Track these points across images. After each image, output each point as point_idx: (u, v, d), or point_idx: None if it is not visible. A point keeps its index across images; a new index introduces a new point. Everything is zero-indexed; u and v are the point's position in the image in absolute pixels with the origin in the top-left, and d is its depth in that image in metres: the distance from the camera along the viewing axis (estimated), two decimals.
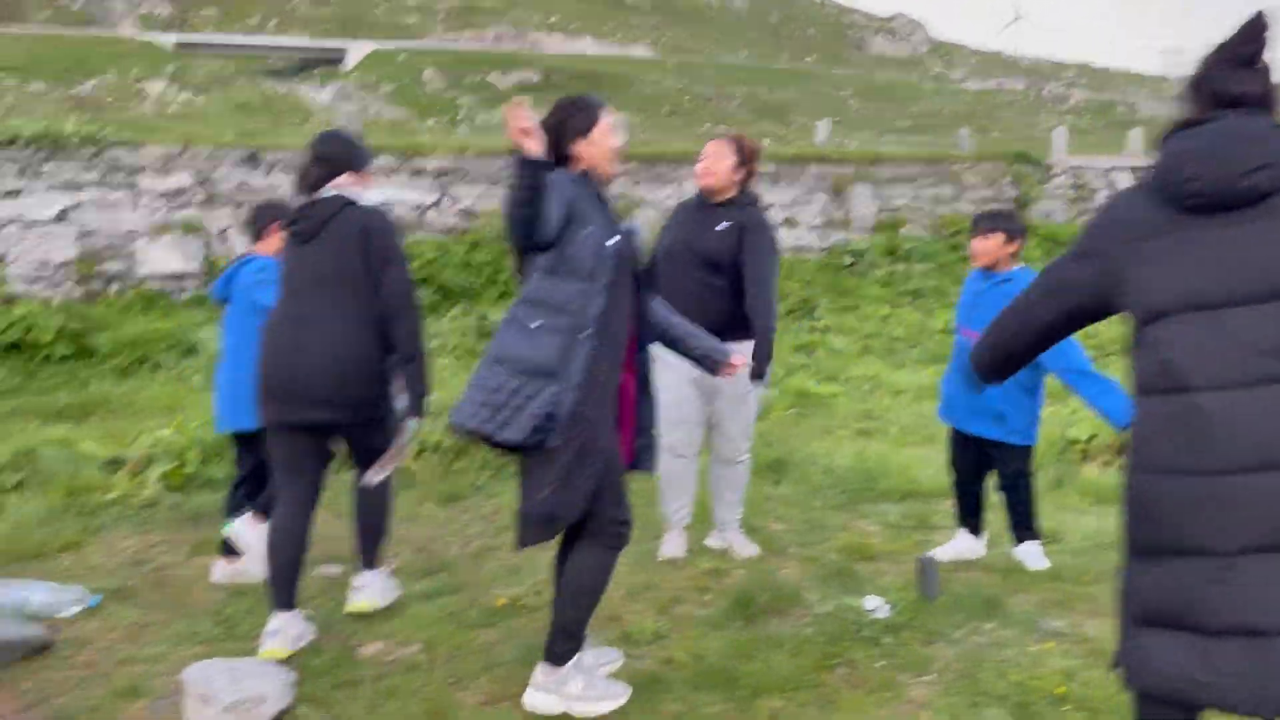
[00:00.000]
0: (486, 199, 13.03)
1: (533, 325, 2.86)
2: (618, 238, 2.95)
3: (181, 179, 10.95)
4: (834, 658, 3.26)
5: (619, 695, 3.05)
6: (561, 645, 3.03)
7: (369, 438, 3.54)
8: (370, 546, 3.78)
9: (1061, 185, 20.44)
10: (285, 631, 3.41)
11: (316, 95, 30.74)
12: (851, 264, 16.00)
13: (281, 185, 11.61)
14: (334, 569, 4.33)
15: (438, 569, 4.32)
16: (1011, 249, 4.33)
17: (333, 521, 4.73)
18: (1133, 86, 74.61)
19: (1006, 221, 4.40)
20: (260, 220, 4.30)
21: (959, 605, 3.72)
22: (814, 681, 3.11)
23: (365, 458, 3.58)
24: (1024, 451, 4.28)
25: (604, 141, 3.02)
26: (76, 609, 3.81)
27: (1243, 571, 1.97)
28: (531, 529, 2.92)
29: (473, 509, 5.33)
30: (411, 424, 3.56)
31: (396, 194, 12.42)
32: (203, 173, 11.14)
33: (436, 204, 12.67)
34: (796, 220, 16.30)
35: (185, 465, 5.61)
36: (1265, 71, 2.11)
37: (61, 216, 10.18)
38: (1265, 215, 1.99)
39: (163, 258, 10.52)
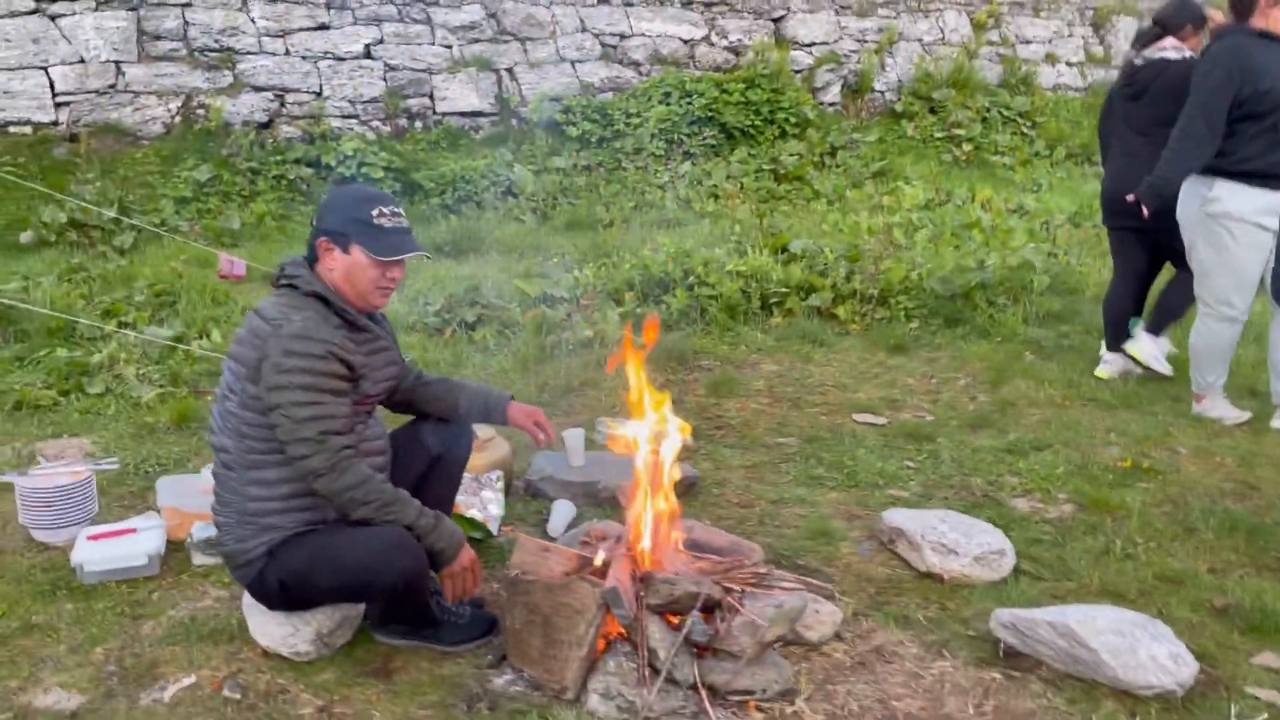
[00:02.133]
0: (755, 33, 12.49)
1: None
2: None
3: (473, 13, 10.76)
4: None
5: None
6: None
7: (1173, 240, 4.38)
8: (1161, 320, 4.75)
9: None
10: (1112, 364, 4.86)
11: None
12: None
13: (564, 18, 11.33)
14: (878, 420, 4.32)
15: (980, 423, 4.25)
16: None
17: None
18: None
19: None
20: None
21: None
22: None
23: (1169, 255, 4.73)
24: None
25: None
26: None
27: None
28: None
29: (932, 360, 5.23)
30: None
31: (664, 27, 12.02)
32: (490, 6, 10.92)
33: (706, 38, 12.20)
34: (1056, 56, 15.19)
35: (627, 305, 5.65)
36: None
37: (367, 51, 10.18)
38: None
39: (460, 95, 10.45)
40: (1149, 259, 4.81)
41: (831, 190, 10.05)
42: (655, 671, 2.33)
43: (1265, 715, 2.30)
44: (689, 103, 11.13)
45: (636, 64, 11.71)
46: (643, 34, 11.81)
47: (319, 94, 9.86)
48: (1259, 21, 3.95)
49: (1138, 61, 4.67)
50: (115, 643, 2.57)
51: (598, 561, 2.49)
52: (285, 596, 2.43)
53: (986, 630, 2.64)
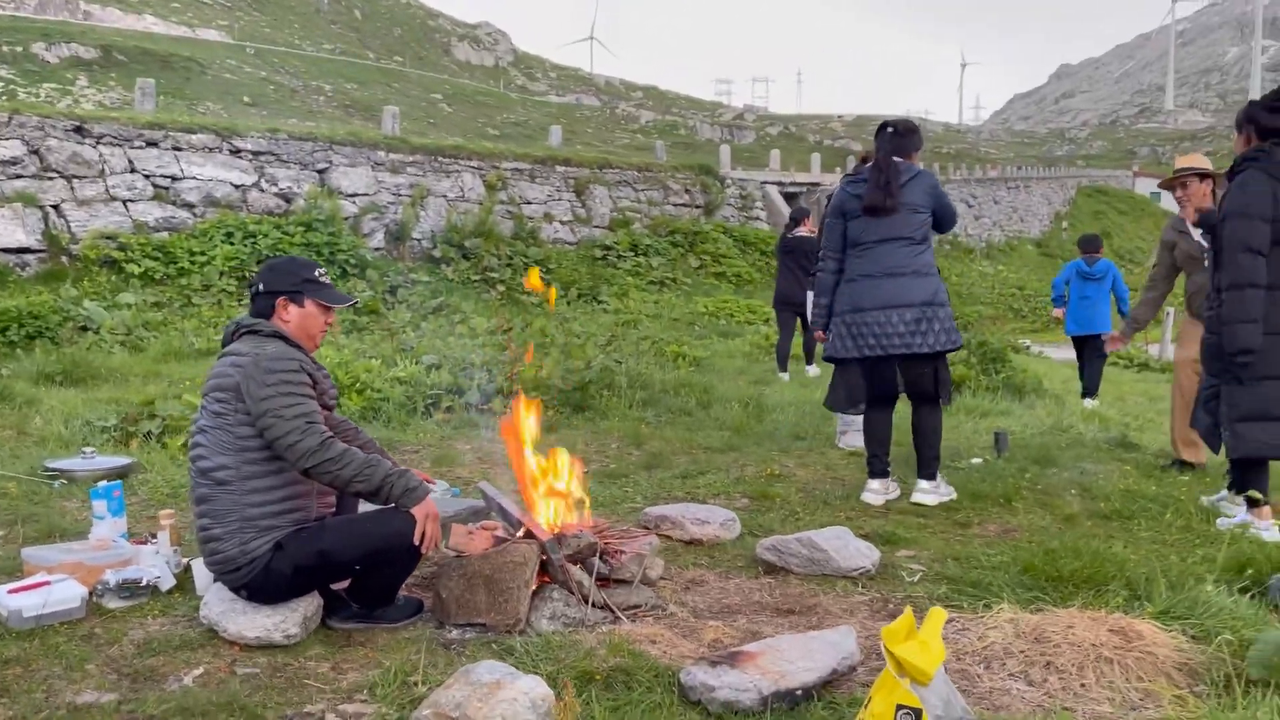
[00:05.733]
0: (303, 181, 13.23)
1: (930, 273, 4.51)
2: None
3: (13, 148, 10.19)
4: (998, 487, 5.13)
5: (953, 492, 4.84)
6: (933, 466, 4.75)
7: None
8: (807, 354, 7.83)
9: (733, 195, 23.84)
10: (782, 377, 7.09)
11: None
12: (603, 257, 17.90)
13: (112, 158, 11.17)
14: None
15: (649, 465, 5.57)
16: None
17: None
18: (692, 110, 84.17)
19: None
20: None
21: (1023, 458, 5.77)
22: (1002, 495, 4.93)
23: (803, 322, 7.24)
24: None
25: None
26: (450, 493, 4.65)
27: None
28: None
29: (582, 433, 6.51)
30: None
31: (215, 172, 12.32)
32: (33, 143, 10.42)
33: (257, 184, 12.66)
34: (552, 216, 17.88)
35: None
36: None
37: None
38: None
39: (4, 231, 9.76)
40: (794, 326, 9.63)
41: (408, 322, 11.05)
42: (584, 598, 3.22)
43: (919, 575, 3.80)
44: (253, 243, 11.53)
45: (190, 205, 11.85)
46: (194, 177, 12.01)
47: None
48: None
49: (790, 236, 9.71)
50: (99, 662, 2.79)
51: (520, 532, 3.32)
52: (296, 581, 2.90)
53: (749, 561, 3.88)
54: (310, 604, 3.03)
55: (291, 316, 3.13)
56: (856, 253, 4.80)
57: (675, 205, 21.51)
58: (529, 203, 17.36)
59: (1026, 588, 3.54)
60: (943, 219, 4.79)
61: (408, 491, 2.96)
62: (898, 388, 4.87)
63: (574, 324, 11.93)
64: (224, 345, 3.14)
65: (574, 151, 20.64)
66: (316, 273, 3.21)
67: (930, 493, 4.81)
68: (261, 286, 3.17)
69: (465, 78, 73.78)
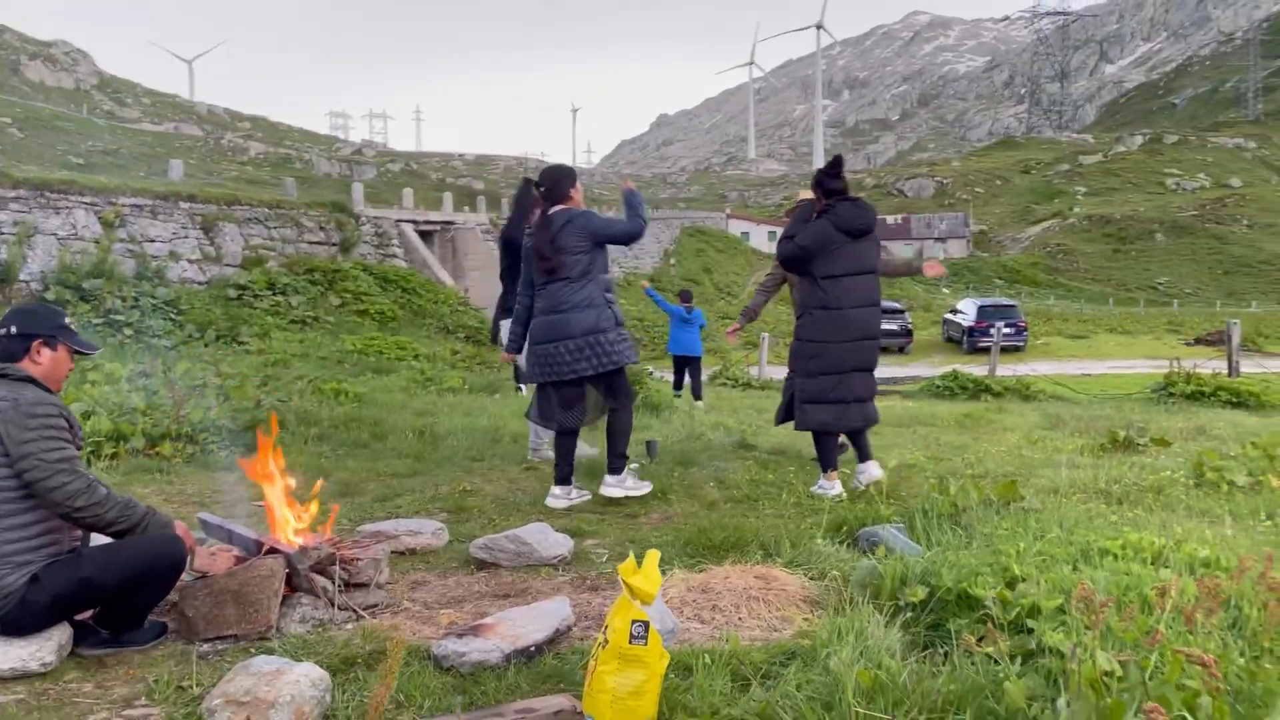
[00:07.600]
0: None
1: (609, 296, 5.22)
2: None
3: None
4: (655, 484, 6.06)
5: (648, 486, 5.58)
6: (619, 463, 5.45)
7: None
8: None
9: (369, 233, 23.94)
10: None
11: None
12: (238, 296, 17.31)
13: None
14: None
15: (344, 492, 5.90)
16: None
17: None
18: (307, 143, 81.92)
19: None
20: None
21: (670, 460, 6.76)
22: (659, 491, 5.87)
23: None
24: None
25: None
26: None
27: (850, 378, 5.51)
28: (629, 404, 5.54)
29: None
30: None
31: None
32: None
33: None
34: (179, 254, 17.04)
35: None
36: (844, 178, 5.69)
37: None
38: (870, 239, 5.56)
39: None
40: None
41: None
42: (331, 601, 3.60)
43: (606, 556, 4.54)
44: None
45: None
46: None
47: None
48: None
49: None
50: None
51: (264, 550, 3.62)
52: (53, 612, 3.01)
53: (462, 561, 4.41)
54: (63, 632, 3.15)
55: (44, 360, 3.25)
56: (536, 293, 5.52)
57: (310, 243, 21.21)
58: (152, 240, 16.45)
59: (690, 555, 4.39)
60: (615, 241, 5.53)
61: (163, 527, 3.24)
62: (581, 419, 5.56)
63: (223, 365, 11.64)
64: None
65: (199, 187, 19.70)
66: (66, 319, 3.37)
67: (614, 486, 5.51)
68: (14, 329, 3.25)
69: (40, 100, 66.58)
